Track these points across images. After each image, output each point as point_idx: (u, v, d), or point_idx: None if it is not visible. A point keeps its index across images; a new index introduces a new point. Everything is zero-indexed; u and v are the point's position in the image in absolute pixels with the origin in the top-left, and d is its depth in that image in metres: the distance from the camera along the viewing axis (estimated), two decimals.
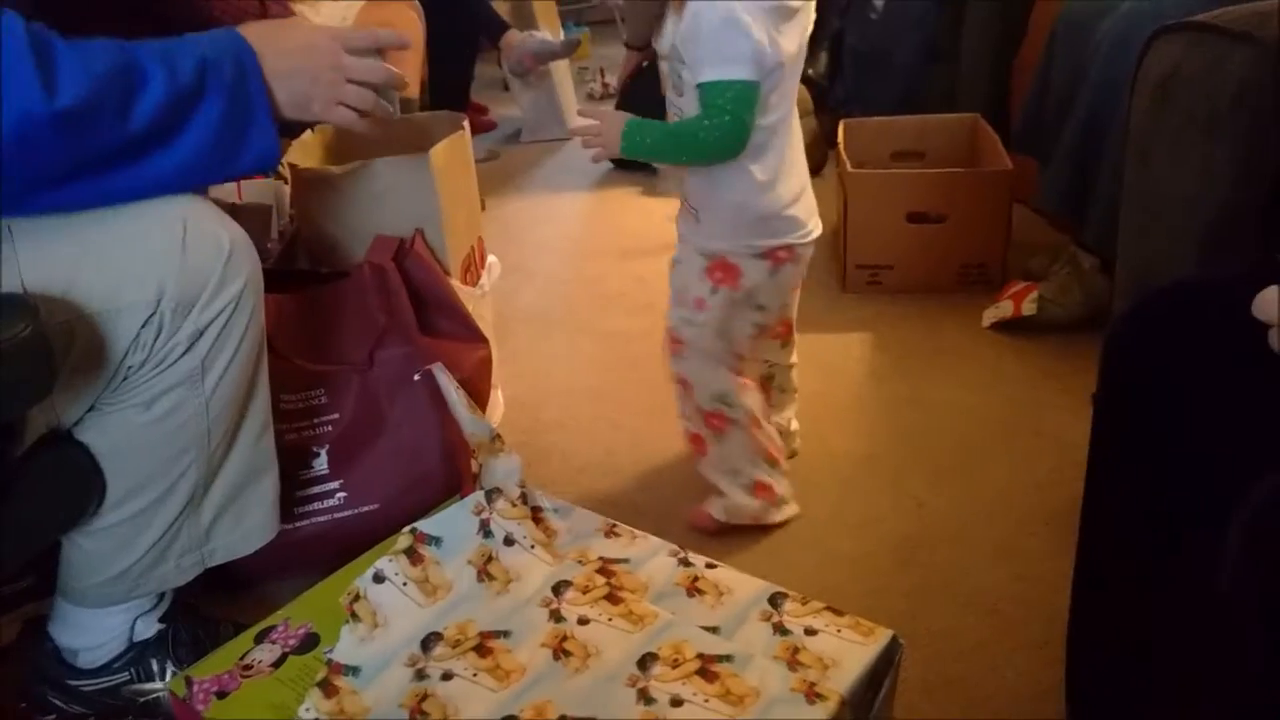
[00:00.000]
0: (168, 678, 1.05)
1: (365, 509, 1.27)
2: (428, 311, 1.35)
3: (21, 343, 0.68)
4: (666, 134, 1.16)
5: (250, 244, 0.91)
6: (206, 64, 0.81)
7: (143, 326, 0.82)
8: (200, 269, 0.85)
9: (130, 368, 0.84)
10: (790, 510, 1.31)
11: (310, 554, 1.22)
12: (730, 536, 1.29)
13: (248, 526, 1.04)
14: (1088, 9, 1.61)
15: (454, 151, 1.45)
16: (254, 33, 0.86)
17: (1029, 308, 1.71)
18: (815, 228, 1.26)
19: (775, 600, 0.99)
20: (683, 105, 1.18)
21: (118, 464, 0.89)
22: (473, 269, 1.52)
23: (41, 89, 0.69)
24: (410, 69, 2.36)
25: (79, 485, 0.88)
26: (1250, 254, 0.60)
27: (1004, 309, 1.75)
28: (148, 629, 1.04)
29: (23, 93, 0.68)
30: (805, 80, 2.75)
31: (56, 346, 0.74)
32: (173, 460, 0.92)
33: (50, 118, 0.70)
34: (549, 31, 3.22)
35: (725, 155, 1.14)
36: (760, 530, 1.30)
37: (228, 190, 1.38)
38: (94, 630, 1.02)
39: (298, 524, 1.23)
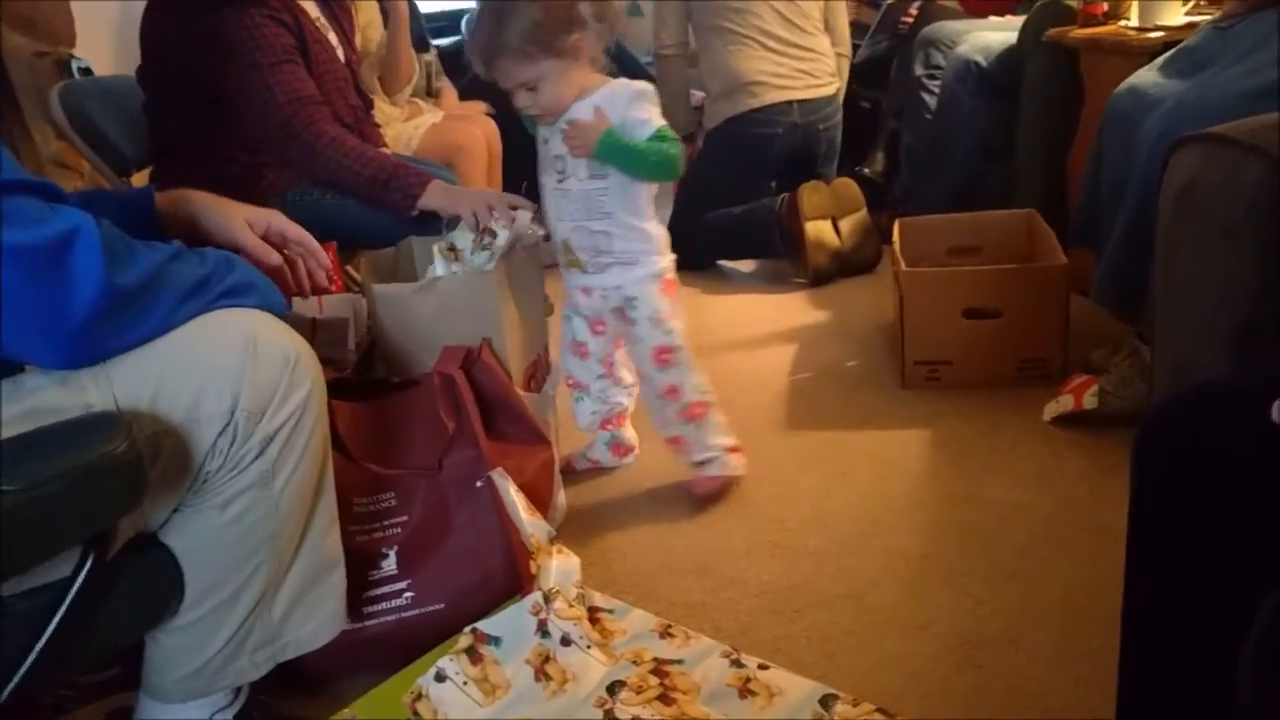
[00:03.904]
0: None
1: (431, 609, 1.31)
2: (494, 416, 1.41)
3: (117, 458, 0.76)
4: (636, 147, 1.46)
5: (313, 354, 0.99)
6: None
7: (219, 435, 0.90)
8: (269, 379, 0.93)
9: (208, 473, 0.92)
10: None
11: (377, 652, 1.26)
12: (784, 636, 1.29)
13: (318, 621, 1.09)
14: (1132, 104, 1.64)
15: (519, 267, 1.53)
16: None
17: (1090, 401, 1.70)
18: None
19: (826, 702, 1.00)
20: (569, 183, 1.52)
21: (196, 563, 0.96)
22: (537, 376, 1.59)
23: (107, 270, 0.83)
24: (475, 184, 2.50)
25: (163, 585, 0.95)
26: (1277, 357, 0.61)
27: (1065, 403, 1.74)
28: None
29: (98, 276, 0.82)
30: (860, 179, 2.84)
31: (146, 457, 0.82)
32: (246, 558, 0.98)
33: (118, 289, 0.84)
34: None
35: (677, 174, 1.54)
36: (815, 630, 1.30)
37: (309, 305, 1.49)
38: None
39: (366, 623, 1.27)
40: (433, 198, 1.68)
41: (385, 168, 1.70)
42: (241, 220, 1.19)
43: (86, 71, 2.35)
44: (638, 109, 1.47)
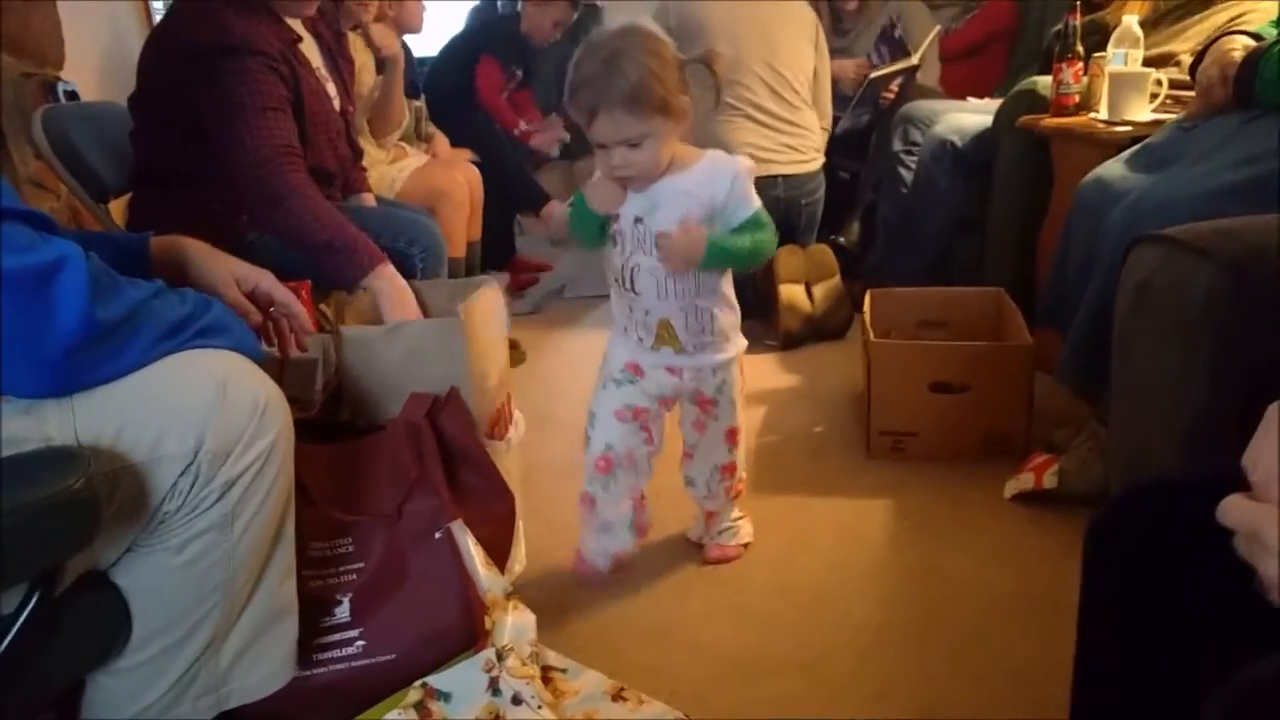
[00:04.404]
0: None
1: (382, 659, 1.28)
2: (457, 467, 1.40)
3: (72, 495, 0.74)
4: (741, 248, 1.38)
5: (284, 400, 0.98)
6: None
7: (180, 475, 0.89)
8: (236, 422, 0.92)
9: (166, 513, 0.91)
10: None
11: (325, 701, 1.23)
12: (739, 703, 1.28)
13: (265, 670, 1.07)
14: (1098, 195, 1.69)
15: (485, 314, 1.54)
16: None
17: (1050, 481, 1.72)
18: None
19: None
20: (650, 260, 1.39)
21: (146, 605, 0.94)
22: (501, 424, 1.58)
23: (90, 302, 0.83)
24: (456, 230, 2.52)
25: (110, 625, 0.92)
26: (1230, 453, 0.63)
27: (1025, 481, 1.76)
28: None
29: (80, 307, 0.83)
30: (836, 248, 2.89)
31: (102, 494, 0.81)
32: (198, 603, 0.96)
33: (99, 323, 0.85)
34: None
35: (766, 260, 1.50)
36: (770, 697, 1.29)
37: None
38: None
39: (315, 671, 1.25)
40: (380, 281, 1.63)
41: (341, 236, 1.67)
42: (228, 275, 1.19)
43: (72, 95, 2.35)
44: (743, 185, 1.39)
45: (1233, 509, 0.60)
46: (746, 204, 1.39)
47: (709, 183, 1.36)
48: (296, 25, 1.88)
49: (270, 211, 1.70)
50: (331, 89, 1.97)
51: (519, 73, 3.34)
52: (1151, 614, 0.67)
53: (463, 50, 3.25)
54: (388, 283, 1.63)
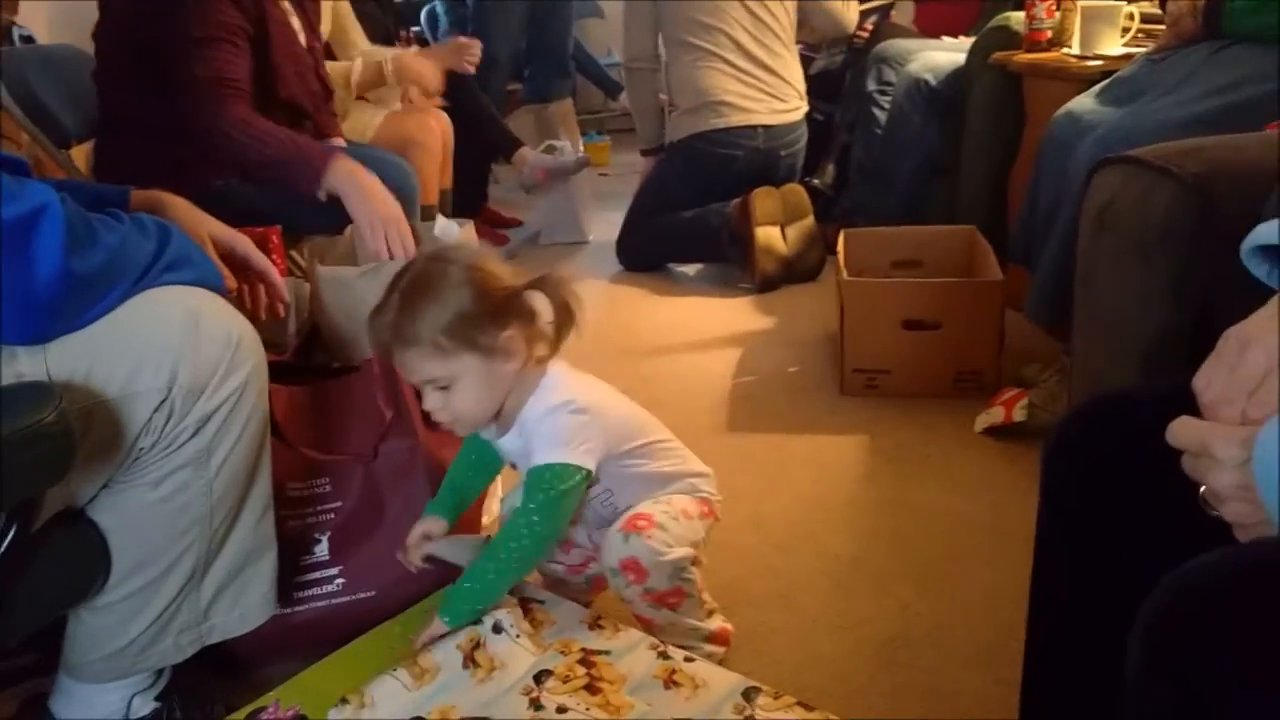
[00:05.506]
0: None
1: (362, 596, 1.30)
2: None
3: (45, 428, 0.75)
4: (490, 582, 1.10)
5: (256, 336, 0.99)
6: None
7: (155, 411, 0.90)
8: (210, 358, 0.92)
9: (141, 449, 0.91)
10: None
11: (306, 638, 1.25)
12: None
13: (245, 606, 1.08)
14: (1068, 129, 1.70)
15: None
16: None
17: (1019, 414, 1.75)
18: None
19: (749, 694, 1.02)
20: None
21: (124, 541, 0.95)
22: None
23: (66, 254, 0.83)
24: (429, 177, 2.49)
25: (89, 561, 0.93)
26: (1184, 371, 0.65)
27: (995, 415, 1.79)
28: (144, 706, 1.08)
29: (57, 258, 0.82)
30: (810, 190, 2.88)
31: (76, 430, 0.81)
32: (176, 538, 0.97)
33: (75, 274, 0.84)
34: (569, 141, 3.37)
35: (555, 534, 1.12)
36: (745, 628, 1.32)
37: None
38: (93, 706, 1.05)
39: (295, 608, 1.27)
40: (338, 178, 1.56)
41: (286, 147, 1.63)
42: (205, 235, 1.18)
43: (28, 40, 2.29)
44: (547, 426, 1.09)
45: (1181, 430, 0.62)
46: (543, 449, 1.08)
47: (531, 433, 1.10)
48: None
49: (213, 144, 1.66)
50: (296, 22, 1.93)
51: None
52: (1102, 519, 0.69)
53: None
54: (347, 179, 1.57)
